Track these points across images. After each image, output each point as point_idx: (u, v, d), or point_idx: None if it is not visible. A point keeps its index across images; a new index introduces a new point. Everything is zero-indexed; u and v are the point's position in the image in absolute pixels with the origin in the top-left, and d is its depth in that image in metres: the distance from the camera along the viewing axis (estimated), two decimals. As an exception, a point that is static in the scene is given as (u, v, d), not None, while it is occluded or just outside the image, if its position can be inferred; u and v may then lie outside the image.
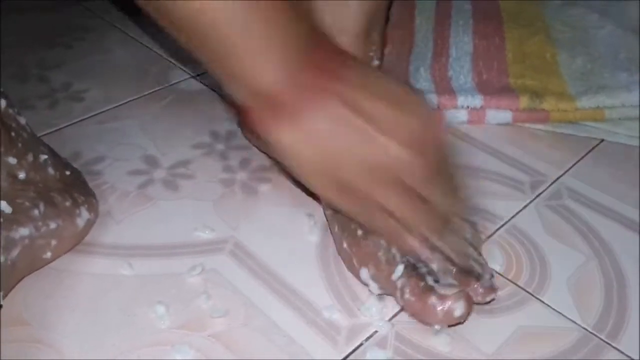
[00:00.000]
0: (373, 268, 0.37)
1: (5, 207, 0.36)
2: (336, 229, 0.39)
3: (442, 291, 0.34)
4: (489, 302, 0.36)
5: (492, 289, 0.36)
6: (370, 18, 0.40)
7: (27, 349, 0.34)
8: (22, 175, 0.37)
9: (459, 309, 0.34)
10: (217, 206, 0.43)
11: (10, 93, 0.51)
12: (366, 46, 0.41)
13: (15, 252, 0.36)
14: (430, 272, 0.35)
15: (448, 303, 0.34)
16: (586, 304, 0.38)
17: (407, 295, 0.35)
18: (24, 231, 0.36)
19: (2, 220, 0.35)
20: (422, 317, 0.35)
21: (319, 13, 0.38)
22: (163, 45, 0.59)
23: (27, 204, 0.37)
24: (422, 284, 0.34)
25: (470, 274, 0.35)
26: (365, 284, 0.37)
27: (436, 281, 0.35)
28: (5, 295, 0.35)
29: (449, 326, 0.35)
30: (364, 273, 0.37)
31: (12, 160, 0.37)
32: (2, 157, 0.36)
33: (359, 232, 0.37)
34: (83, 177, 0.43)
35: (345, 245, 0.38)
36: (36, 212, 0.37)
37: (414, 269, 0.35)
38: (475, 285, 0.35)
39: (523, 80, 0.53)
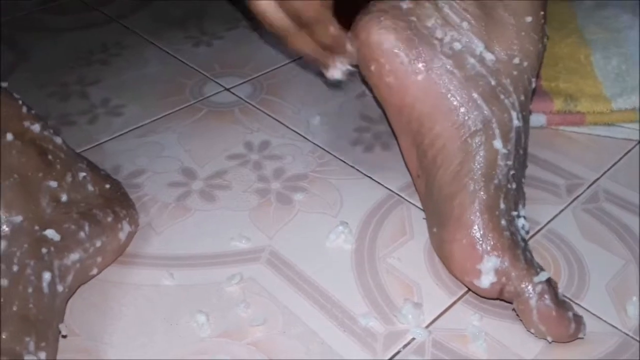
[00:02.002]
0: (507, 262, 0.36)
1: (54, 235, 0.36)
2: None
3: (567, 312, 0.35)
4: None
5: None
6: None
7: (73, 357, 0.35)
8: (64, 197, 0.38)
9: (583, 331, 0.35)
10: (253, 216, 0.44)
11: (51, 111, 0.53)
12: None
13: (69, 279, 0.37)
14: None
15: (580, 321, 0.35)
16: (626, 308, 0.37)
17: (547, 301, 0.35)
18: (74, 256, 0.37)
19: (53, 249, 0.36)
20: (552, 326, 0.35)
21: None
22: (197, 59, 0.60)
23: (73, 227, 0.37)
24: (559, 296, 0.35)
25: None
26: (478, 273, 0.36)
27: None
28: (62, 320, 0.36)
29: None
30: (487, 261, 0.36)
31: (53, 184, 0.37)
32: (43, 183, 0.37)
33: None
34: (123, 187, 0.44)
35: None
36: (82, 234, 0.38)
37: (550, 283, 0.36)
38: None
39: (557, 83, 0.52)
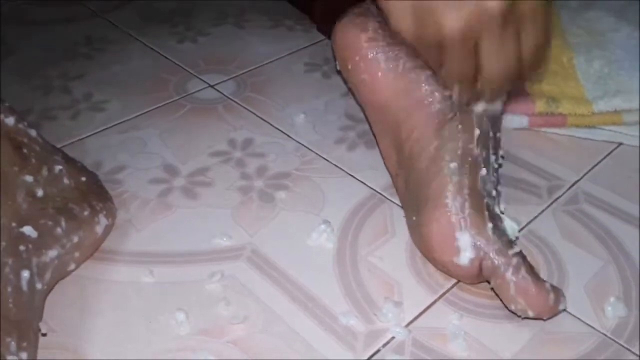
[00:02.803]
0: (483, 237, 0.37)
1: (31, 231, 0.35)
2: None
3: (547, 284, 0.36)
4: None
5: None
6: None
7: (52, 356, 0.35)
8: (40, 192, 0.37)
9: (563, 303, 0.36)
10: (235, 213, 0.44)
11: (34, 105, 0.53)
12: None
13: (47, 276, 0.36)
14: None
15: (559, 293, 0.36)
16: (604, 309, 0.38)
17: (522, 274, 0.35)
18: (52, 253, 0.36)
19: (30, 247, 0.35)
20: (531, 298, 0.35)
21: None
22: (181, 55, 0.60)
23: (49, 223, 0.37)
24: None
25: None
26: (457, 251, 0.37)
27: None
28: (41, 318, 0.36)
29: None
30: (465, 237, 0.37)
31: (29, 179, 0.37)
32: (18, 177, 0.36)
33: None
34: (99, 180, 0.43)
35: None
36: (59, 230, 0.37)
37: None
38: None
39: (539, 85, 0.53)
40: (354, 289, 0.39)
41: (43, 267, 0.36)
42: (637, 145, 0.50)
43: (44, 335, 0.35)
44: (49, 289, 0.37)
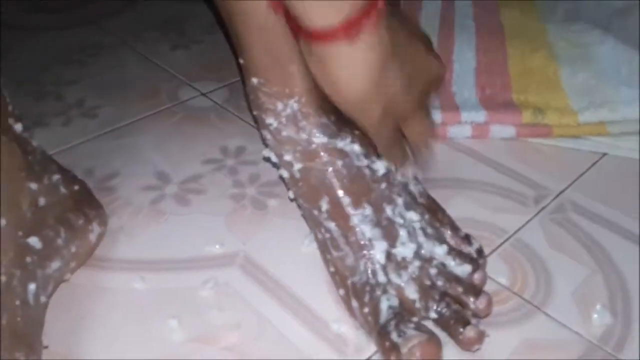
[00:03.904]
0: (356, 301, 0.37)
1: (36, 242, 0.35)
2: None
3: (401, 348, 0.34)
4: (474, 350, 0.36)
5: (478, 338, 0.35)
6: None
7: (45, 362, 0.35)
8: (42, 201, 0.37)
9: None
10: (227, 221, 0.44)
11: (26, 111, 0.53)
12: None
13: (50, 288, 0.36)
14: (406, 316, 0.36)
15: None
16: (591, 316, 0.38)
17: (380, 356, 0.36)
18: (55, 265, 0.36)
19: (36, 258, 0.35)
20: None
21: None
22: (174, 63, 0.60)
23: (51, 234, 0.36)
24: (387, 343, 0.35)
25: (458, 318, 0.36)
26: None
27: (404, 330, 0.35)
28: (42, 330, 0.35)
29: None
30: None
31: (34, 186, 0.36)
32: (24, 184, 0.35)
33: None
34: (88, 187, 0.43)
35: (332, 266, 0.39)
36: (60, 241, 0.37)
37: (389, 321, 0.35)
38: (461, 330, 0.35)
39: (526, 96, 0.54)
40: (345, 296, 0.39)
41: (47, 279, 0.35)
42: (621, 155, 0.51)
43: (46, 347, 0.35)
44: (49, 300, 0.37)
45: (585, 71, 0.55)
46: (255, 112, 0.42)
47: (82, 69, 0.59)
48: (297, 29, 0.32)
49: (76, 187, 0.41)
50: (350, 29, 0.31)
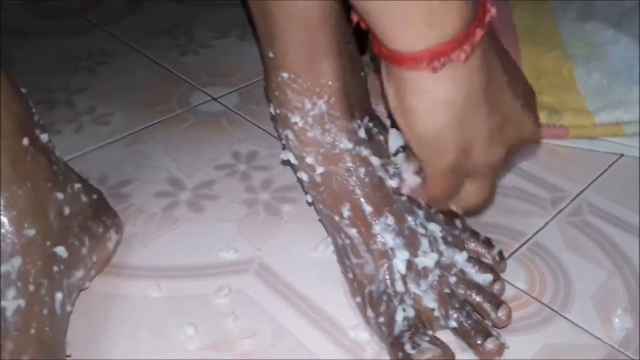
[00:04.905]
0: (372, 310, 0.37)
1: (63, 252, 0.35)
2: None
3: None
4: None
5: (498, 351, 0.35)
6: None
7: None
8: (67, 210, 0.37)
9: None
10: (241, 227, 0.44)
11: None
12: None
13: (74, 297, 0.36)
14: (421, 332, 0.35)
15: None
16: (612, 320, 0.38)
17: None
18: (79, 274, 0.36)
19: (62, 267, 0.35)
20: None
21: None
22: (184, 68, 0.60)
23: (76, 243, 0.36)
24: (400, 354, 0.34)
25: (479, 329, 0.35)
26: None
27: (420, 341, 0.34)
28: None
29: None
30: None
31: (60, 196, 0.36)
32: (51, 194, 0.35)
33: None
34: (104, 196, 0.43)
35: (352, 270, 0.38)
36: (84, 250, 0.37)
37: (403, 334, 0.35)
38: (481, 342, 0.35)
39: (541, 97, 0.52)
40: (361, 302, 0.39)
41: (71, 288, 0.35)
42: (638, 156, 0.50)
43: (69, 356, 0.35)
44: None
45: (600, 70, 0.55)
46: (279, 110, 0.40)
47: (90, 75, 0.59)
48: (378, 46, 0.29)
49: (94, 196, 0.41)
50: (435, 57, 0.27)
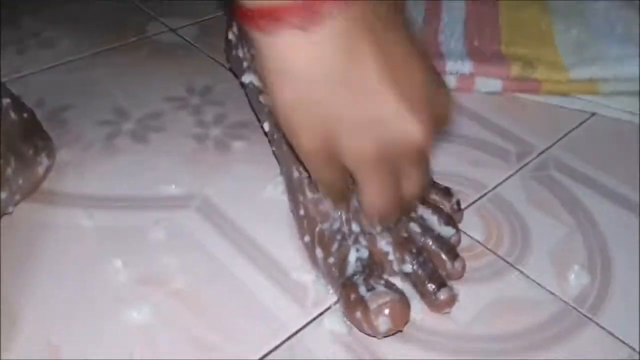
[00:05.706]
0: (321, 250, 0.34)
1: None
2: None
3: (369, 303, 0.31)
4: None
5: (450, 302, 0.33)
6: None
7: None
8: None
9: (382, 324, 0.31)
10: (186, 161, 0.41)
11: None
12: None
13: None
14: (372, 275, 0.33)
15: (372, 318, 0.31)
16: (568, 277, 0.36)
17: (342, 308, 0.33)
18: (1, 195, 0.33)
19: None
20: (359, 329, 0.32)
21: None
22: (142, -4, 0.56)
23: (1, 162, 0.34)
24: (353, 296, 0.32)
25: (433, 278, 0.33)
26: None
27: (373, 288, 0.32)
28: None
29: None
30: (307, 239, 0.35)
31: None
32: None
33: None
34: (37, 117, 0.39)
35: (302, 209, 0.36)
36: (9, 170, 0.34)
37: (354, 275, 0.33)
38: (434, 290, 0.33)
39: (515, 48, 0.51)
40: (308, 245, 0.36)
41: None
42: (611, 115, 0.48)
43: None
44: None
45: (579, 26, 0.53)
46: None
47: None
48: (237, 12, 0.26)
49: (25, 115, 0.38)
50: (307, 10, 0.24)
